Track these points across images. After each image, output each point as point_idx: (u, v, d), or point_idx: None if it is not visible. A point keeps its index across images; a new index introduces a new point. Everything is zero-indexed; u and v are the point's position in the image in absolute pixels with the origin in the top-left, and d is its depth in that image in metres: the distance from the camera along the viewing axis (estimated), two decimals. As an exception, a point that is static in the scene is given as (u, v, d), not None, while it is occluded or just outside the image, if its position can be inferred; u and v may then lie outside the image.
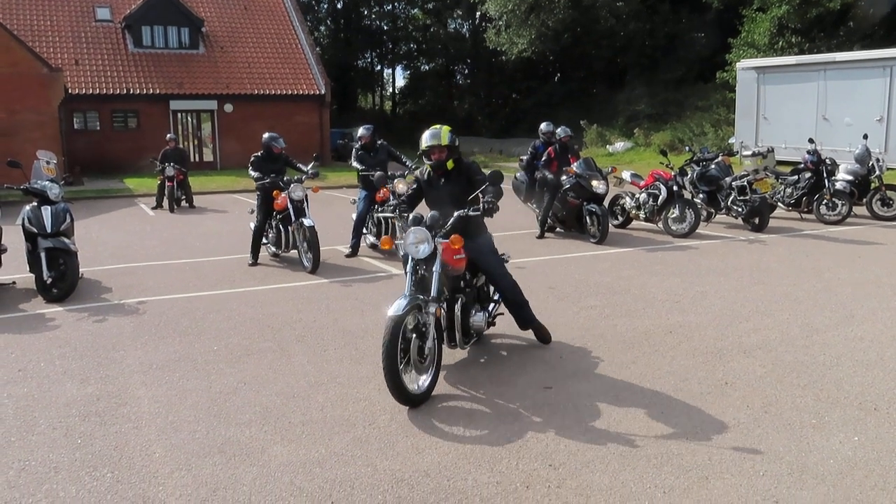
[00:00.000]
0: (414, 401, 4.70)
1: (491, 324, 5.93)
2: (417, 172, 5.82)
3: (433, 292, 4.94)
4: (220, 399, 4.93)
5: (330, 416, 4.60)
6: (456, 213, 5.21)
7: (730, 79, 25.60)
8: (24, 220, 8.20)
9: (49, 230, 8.06)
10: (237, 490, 3.68)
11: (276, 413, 4.67)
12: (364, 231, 10.36)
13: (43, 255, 7.92)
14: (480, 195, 5.27)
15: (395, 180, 9.73)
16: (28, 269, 8.26)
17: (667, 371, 5.31)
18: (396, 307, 4.69)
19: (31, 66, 22.28)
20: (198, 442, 4.26)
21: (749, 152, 16.65)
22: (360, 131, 10.38)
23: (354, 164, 10.22)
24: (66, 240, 8.15)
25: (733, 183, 11.85)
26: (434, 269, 5.00)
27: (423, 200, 5.77)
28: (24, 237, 8.26)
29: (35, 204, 8.28)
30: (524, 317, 5.87)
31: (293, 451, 4.10)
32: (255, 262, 9.66)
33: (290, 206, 9.34)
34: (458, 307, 5.27)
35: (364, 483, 3.74)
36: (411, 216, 5.32)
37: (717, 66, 27.86)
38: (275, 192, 9.48)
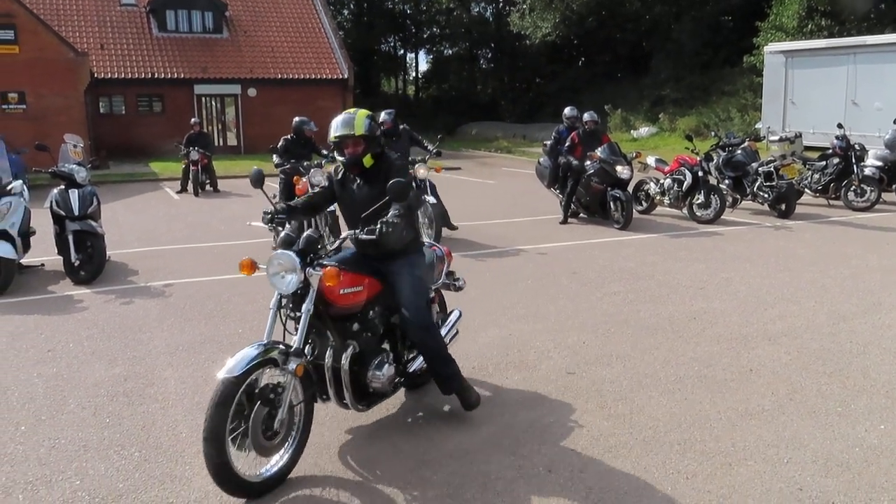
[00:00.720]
0: (253, 491, 3.44)
1: (412, 379, 4.48)
2: (332, 169, 4.46)
3: (296, 341, 3.63)
4: (245, 381, 4.98)
5: (353, 398, 4.62)
6: (344, 234, 4.08)
7: (757, 63, 25.23)
8: (52, 203, 8.31)
9: (76, 213, 8.16)
10: (262, 470, 3.72)
11: (300, 395, 4.71)
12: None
13: (71, 237, 8.03)
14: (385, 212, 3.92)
15: (416, 165, 9.71)
16: (56, 251, 8.38)
17: (691, 357, 5.29)
18: (235, 364, 3.36)
19: (58, 51, 22.51)
20: (223, 422, 4.31)
21: (776, 137, 16.41)
22: (382, 116, 10.37)
23: None
24: (93, 223, 8.25)
25: (760, 168, 11.71)
26: (304, 307, 3.68)
27: (338, 207, 4.46)
28: (52, 220, 8.37)
29: (63, 187, 8.38)
30: (445, 377, 4.18)
31: (316, 433, 4.12)
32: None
33: (310, 191, 9.37)
34: (345, 358, 3.82)
35: (387, 464, 3.77)
36: (283, 233, 3.90)
37: (744, 50, 27.46)
38: (295, 178, 9.52)
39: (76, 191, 8.29)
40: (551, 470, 3.69)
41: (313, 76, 29.25)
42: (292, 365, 3.53)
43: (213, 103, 28.88)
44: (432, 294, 4.69)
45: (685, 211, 11.57)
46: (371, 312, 4.10)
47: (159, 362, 5.40)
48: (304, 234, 3.80)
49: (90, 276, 8.02)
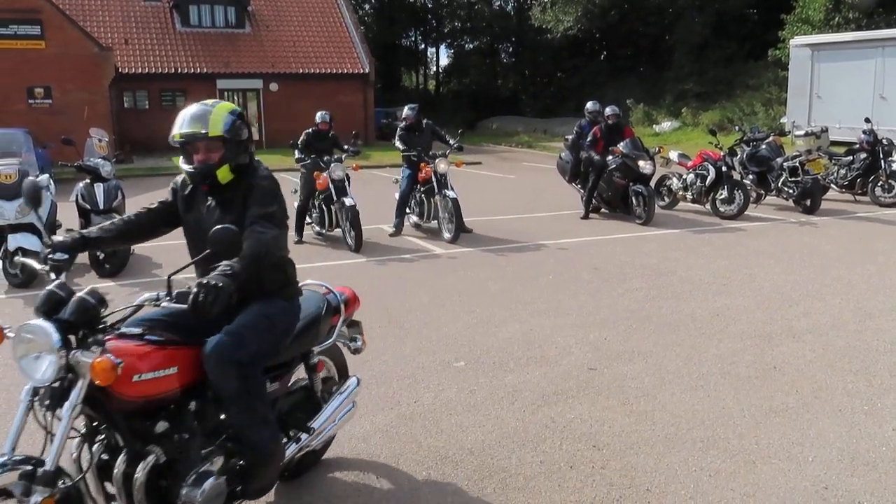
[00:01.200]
0: None
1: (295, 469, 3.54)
2: (178, 180, 3.23)
3: (50, 458, 2.48)
4: (267, 374, 5.01)
5: (374, 393, 4.64)
6: (142, 297, 2.75)
7: (782, 56, 24.91)
8: (77, 196, 8.41)
9: (101, 207, 8.25)
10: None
11: (321, 389, 4.73)
12: (407, 211, 10.38)
13: (96, 231, 8.11)
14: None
15: (437, 160, 9.69)
16: (81, 244, 8.47)
17: (713, 354, 5.24)
18: None
19: (83, 46, 22.76)
20: (246, 415, 4.34)
21: (801, 132, 16.16)
22: (405, 111, 10.37)
23: (397, 144, 10.22)
24: (117, 216, 8.33)
25: (784, 164, 11.57)
26: (66, 406, 2.52)
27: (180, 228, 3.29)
28: (77, 213, 8.47)
29: (88, 181, 8.47)
30: (255, 479, 2.98)
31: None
32: (300, 241, 9.76)
33: (330, 185, 9.40)
34: (141, 470, 2.65)
35: (409, 459, 3.78)
36: (48, 288, 2.67)
37: (769, 44, 27.12)
38: (316, 173, 9.55)
39: (101, 185, 8.38)
40: (573, 466, 3.67)
41: (335, 71, 29.33)
42: (36, 498, 2.41)
43: (236, 98, 29.03)
44: (306, 357, 3.38)
45: (708, 206, 11.47)
46: (193, 404, 2.84)
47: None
48: (78, 295, 2.61)
49: (115, 269, 8.11)
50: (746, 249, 8.85)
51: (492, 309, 6.48)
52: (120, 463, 2.65)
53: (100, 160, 8.60)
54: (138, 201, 12.92)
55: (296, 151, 9.88)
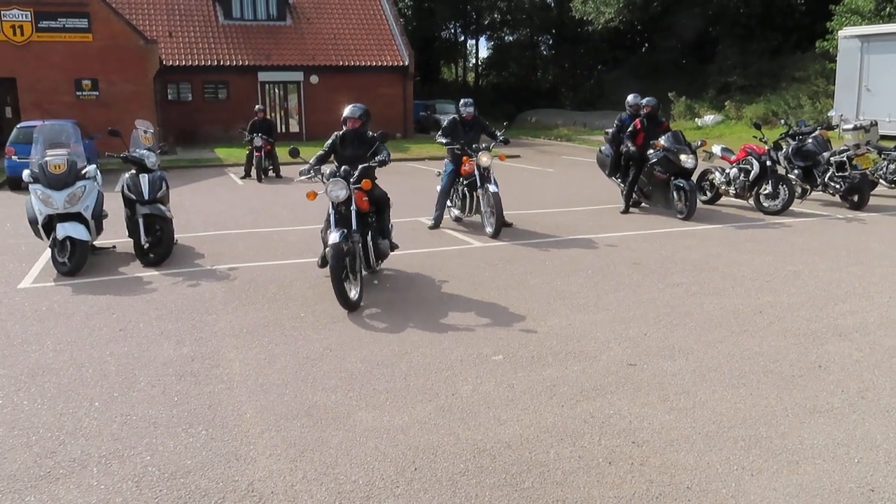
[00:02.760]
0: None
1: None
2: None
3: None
4: (307, 364, 5.08)
5: (413, 384, 4.67)
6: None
7: (830, 48, 24.34)
8: (123, 187, 8.58)
9: (146, 197, 8.40)
10: (324, 452, 3.79)
11: (360, 379, 4.77)
12: (448, 204, 10.38)
13: (141, 220, 8.27)
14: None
15: (480, 153, 9.66)
16: (127, 234, 8.65)
17: (756, 352, 5.16)
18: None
19: (129, 39, 23.17)
20: (286, 404, 4.40)
21: (850, 126, 15.79)
22: (463, 107, 10.20)
23: (440, 140, 10.17)
24: (162, 207, 8.49)
25: (831, 158, 11.32)
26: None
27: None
28: (123, 203, 8.64)
29: (133, 171, 8.63)
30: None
31: (377, 418, 4.19)
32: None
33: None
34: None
35: (447, 451, 3.79)
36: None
37: (816, 35, 26.52)
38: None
39: (146, 175, 8.53)
40: (611, 462, 3.65)
41: (374, 63, 29.43)
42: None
43: (277, 90, 29.33)
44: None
45: (751, 202, 11.27)
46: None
47: (224, 344, 5.54)
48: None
49: (159, 258, 8.26)
50: (791, 246, 8.69)
51: (530, 303, 6.46)
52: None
53: (145, 151, 8.75)
54: (182, 192, 13.22)
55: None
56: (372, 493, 3.43)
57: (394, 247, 7.51)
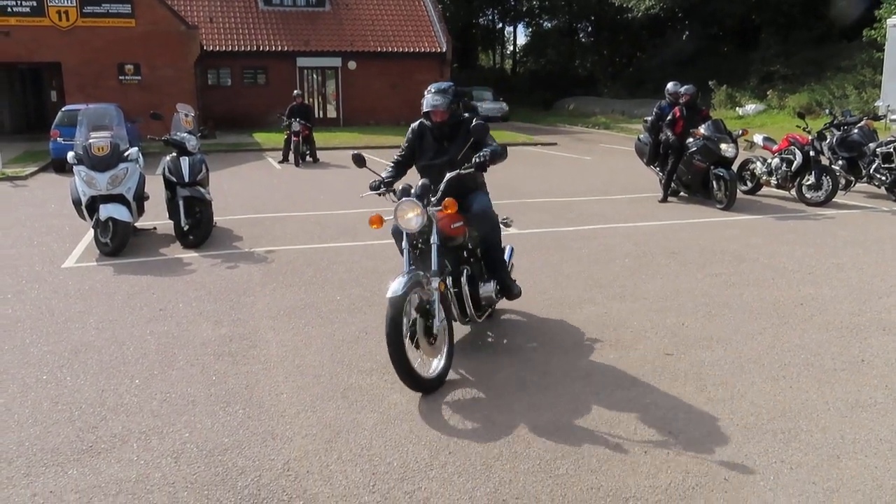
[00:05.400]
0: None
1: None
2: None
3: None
4: (343, 347, 5.11)
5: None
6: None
7: (878, 37, 23.70)
8: (164, 169, 8.70)
9: (187, 180, 8.51)
10: (359, 434, 3.82)
11: (395, 363, 4.79)
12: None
13: (181, 203, 8.39)
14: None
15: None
16: (167, 216, 8.79)
17: (797, 345, 5.07)
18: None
19: (171, 24, 23.44)
20: (322, 386, 4.44)
21: (897, 116, 15.45)
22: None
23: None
24: (202, 189, 8.60)
25: (877, 149, 11.04)
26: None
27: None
28: (163, 186, 8.77)
29: (174, 154, 8.75)
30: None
31: (411, 401, 4.20)
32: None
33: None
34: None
35: (480, 436, 3.80)
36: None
37: (863, 24, 25.83)
38: None
39: (187, 158, 8.64)
40: (647, 451, 3.62)
41: (412, 49, 29.39)
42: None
43: (315, 76, 29.48)
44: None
45: (793, 192, 11.06)
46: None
47: (262, 325, 5.60)
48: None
49: (198, 240, 8.38)
50: (834, 238, 8.51)
51: (566, 291, 6.43)
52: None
53: (186, 135, 8.87)
54: (221, 175, 13.35)
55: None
56: (406, 475, 3.44)
57: (514, 291, 5.22)
